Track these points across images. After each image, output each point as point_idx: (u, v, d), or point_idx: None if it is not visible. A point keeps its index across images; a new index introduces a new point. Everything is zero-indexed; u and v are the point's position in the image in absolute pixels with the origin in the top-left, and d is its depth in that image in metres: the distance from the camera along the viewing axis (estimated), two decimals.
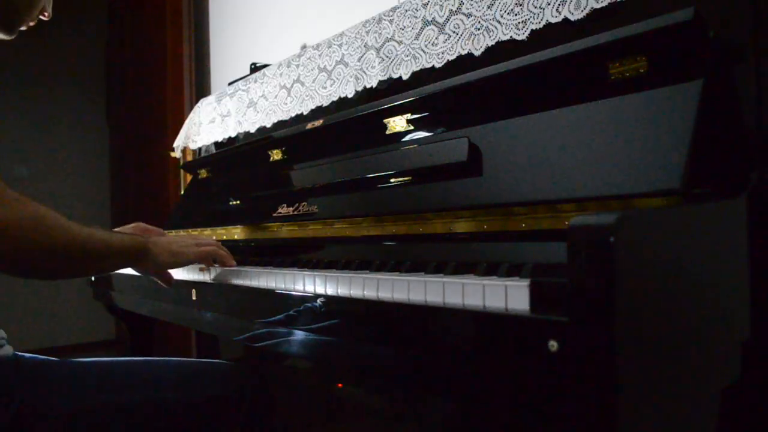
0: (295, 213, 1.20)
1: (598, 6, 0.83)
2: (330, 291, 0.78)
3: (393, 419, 1.44)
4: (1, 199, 0.74)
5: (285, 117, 1.46)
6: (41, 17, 1.02)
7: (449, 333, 0.61)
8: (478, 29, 0.99)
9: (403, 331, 0.66)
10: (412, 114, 1.04)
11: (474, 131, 0.91)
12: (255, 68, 1.75)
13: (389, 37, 1.17)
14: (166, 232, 1.16)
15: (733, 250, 0.64)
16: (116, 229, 1.09)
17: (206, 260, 1.07)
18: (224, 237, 1.42)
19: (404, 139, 1.06)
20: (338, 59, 1.31)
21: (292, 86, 1.45)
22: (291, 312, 0.82)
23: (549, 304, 0.53)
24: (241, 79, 1.76)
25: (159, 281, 1.07)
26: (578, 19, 0.85)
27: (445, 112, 1.00)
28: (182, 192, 2.37)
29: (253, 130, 1.60)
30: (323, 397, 1.63)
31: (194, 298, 1.10)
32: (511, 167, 0.82)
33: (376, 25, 1.21)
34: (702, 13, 0.67)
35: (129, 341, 1.75)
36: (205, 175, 1.71)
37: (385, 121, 1.08)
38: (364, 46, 1.23)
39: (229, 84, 1.80)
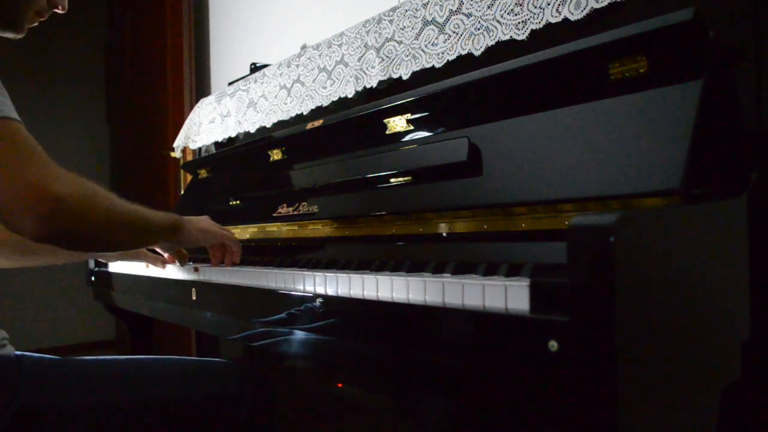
0: (295, 213, 1.20)
1: (598, 6, 0.83)
2: (330, 291, 0.78)
3: (393, 419, 1.44)
4: (57, 174, 0.76)
5: (285, 117, 1.46)
6: (56, 10, 0.99)
7: (449, 333, 0.61)
8: (478, 29, 0.99)
9: (402, 331, 0.66)
10: (412, 114, 1.04)
11: (474, 131, 0.91)
12: (255, 68, 1.75)
13: (389, 37, 1.17)
14: None
15: (733, 250, 0.64)
16: None
17: (226, 243, 1.13)
18: None
19: (404, 139, 1.06)
20: (338, 59, 1.31)
21: (292, 86, 1.45)
22: (291, 312, 0.82)
23: (549, 304, 0.53)
24: (241, 79, 1.76)
25: (177, 259, 1.18)
26: (578, 19, 0.85)
27: (445, 112, 1.00)
28: (182, 192, 2.37)
29: (253, 130, 1.60)
30: (323, 397, 1.63)
31: (194, 297, 1.10)
32: (511, 167, 0.82)
33: (376, 25, 1.21)
34: (702, 13, 0.67)
35: (129, 341, 1.75)
36: (205, 175, 1.71)
37: (385, 121, 1.08)
38: (364, 46, 1.23)
39: (229, 84, 1.80)
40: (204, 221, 1.09)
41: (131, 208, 0.89)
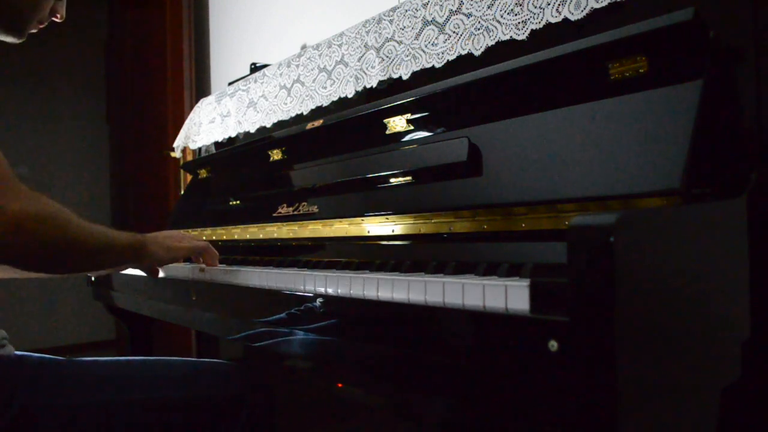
0: (295, 213, 1.20)
1: (598, 6, 0.83)
2: (330, 291, 0.78)
3: (393, 419, 1.44)
4: (17, 193, 0.75)
5: (285, 117, 1.46)
6: (54, 19, 1.02)
7: (449, 333, 0.61)
8: (478, 29, 0.99)
9: (403, 331, 0.66)
10: (412, 114, 1.04)
11: (474, 131, 0.91)
12: (255, 68, 1.75)
13: (389, 37, 1.17)
14: None
15: (733, 250, 0.64)
16: None
17: (196, 255, 1.10)
18: (224, 237, 1.42)
19: (404, 139, 1.06)
20: (338, 59, 1.31)
21: (292, 86, 1.45)
22: (291, 312, 0.82)
23: (549, 304, 0.53)
24: (241, 79, 1.76)
25: (147, 273, 1.13)
26: (578, 19, 0.85)
27: (445, 112, 1.00)
28: (182, 192, 2.37)
29: (253, 130, 1.60)
30: (323, 397, 1.63)
31: (194, 298, 1.10)
32: (511, 167, 0.82)
33: (376, 25, 1.21)
34: (702, 13, 0.67)
35: (129, 341, 1.75)
36: (205, 175, 1.71)
37: (385, 121, 1.08)
38: (364, 46, 1.23)
39: (229, 84, 1.80)
40: (171, 238, 1.05)
41: (92, 231, 0.87)
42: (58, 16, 1.02)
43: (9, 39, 0.98)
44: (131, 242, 0.97)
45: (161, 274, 1.18)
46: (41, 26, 1.01)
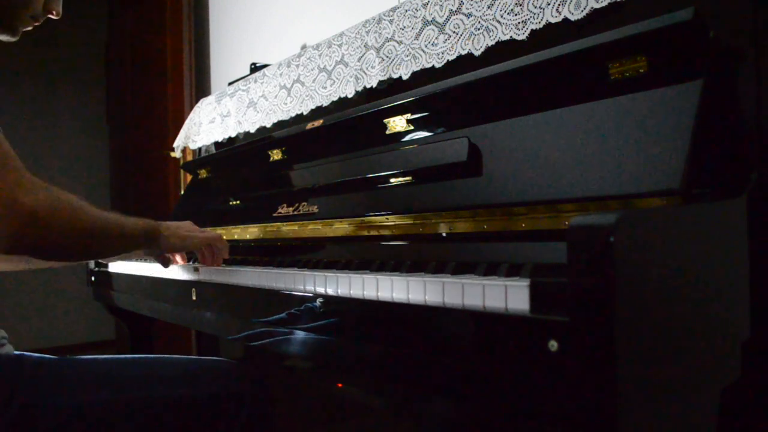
0: (295, 213, 1.20)
1: (598, 6, 0.83)
2: (330, 291, 0.78)
3: (392, 419, 1.44)
4: (30, 186, 0.76)
5: (285, 117, 1.46)
6: (50, 16, 1.01)
7: (449, 333, 0.61)
8: (478, 29, 0.99)
9: (402, 331, 0.66)
10: (412, 114, 1.04)
11: (474, 131, 0.91)
12: (255, 68, 1.75)
13: (389, 37, 1.17)
14: None
15: (733, 250, 0.64)
16: None
17: (209, 247, 1.10)
18: (224, 237, 1.42)
19: (404, 139, 1.06)
20: (338, 59, 1.31)
21: (292, 86, 1.45)
22: (291, 312, 0.82)
23: (549, 304, 0.53)
24: (241, 79, 1.76)
25: (160, 263, 1.13)
26: (578, 19, 0.85)
27: (445, 112, 1.00)
28: (182, 192, 2.37)
29: (253, 130, 1.60)
30: (323, 397, 1.63)
31: (194, 298, 1.10)
32: (511, 167, 0.82)
33: (376, 25, 1.21)
34: (702, 13, 0.67)
35: (129, 341, 1.75)
36: (205, 175, 1.71)
37: (385, 121, 1.08)
38: (364, 46, 1.23)
39: (229, 84, 1.80)
40: (184, 227, 1.06)
41: (104, 218, 0.88)
42: (54, 13, 1.00)
43: (3, 37, 0.97)
44: (145, 228, 0.98)
45: (168, 271, 1.19)
46: (36, 23, 0.99)
